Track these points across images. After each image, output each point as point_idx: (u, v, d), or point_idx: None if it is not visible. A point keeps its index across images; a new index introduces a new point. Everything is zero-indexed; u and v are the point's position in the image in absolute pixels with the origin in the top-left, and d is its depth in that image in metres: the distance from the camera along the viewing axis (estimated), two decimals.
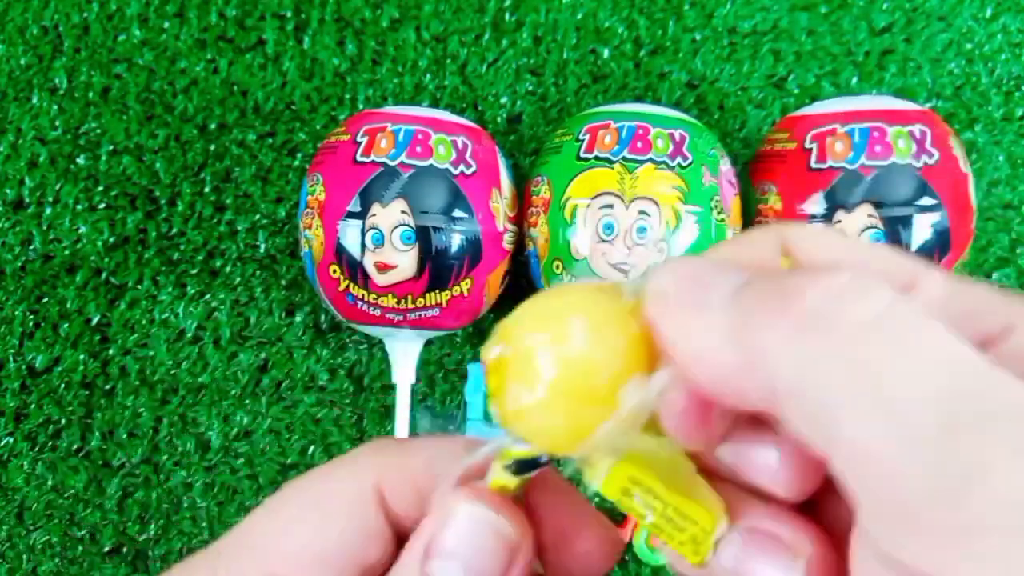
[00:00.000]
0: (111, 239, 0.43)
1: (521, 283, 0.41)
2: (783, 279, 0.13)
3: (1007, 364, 0.12)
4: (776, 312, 0.13)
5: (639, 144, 0.35)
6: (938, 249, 0.34)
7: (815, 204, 0.35)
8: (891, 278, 0.14)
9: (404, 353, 0.38)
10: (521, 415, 0.15)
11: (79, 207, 0.43)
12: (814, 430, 0.13)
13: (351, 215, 0.35)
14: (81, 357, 0.42)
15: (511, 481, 0.16)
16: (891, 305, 0.13)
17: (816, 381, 0.12)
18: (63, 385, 0.42)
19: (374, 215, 0.34)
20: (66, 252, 0.43)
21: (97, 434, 0.42)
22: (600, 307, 0.15)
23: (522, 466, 0.16)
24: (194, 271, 0.43)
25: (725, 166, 0.37)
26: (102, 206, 0.44)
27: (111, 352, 0.42)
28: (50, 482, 0.42)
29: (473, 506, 0.16)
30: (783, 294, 0.13)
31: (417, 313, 0.36)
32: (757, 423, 0.15)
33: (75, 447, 0.42)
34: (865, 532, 0.13)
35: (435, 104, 0.44)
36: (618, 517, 0.40)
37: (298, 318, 0.42)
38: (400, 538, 0.17)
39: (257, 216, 0.43)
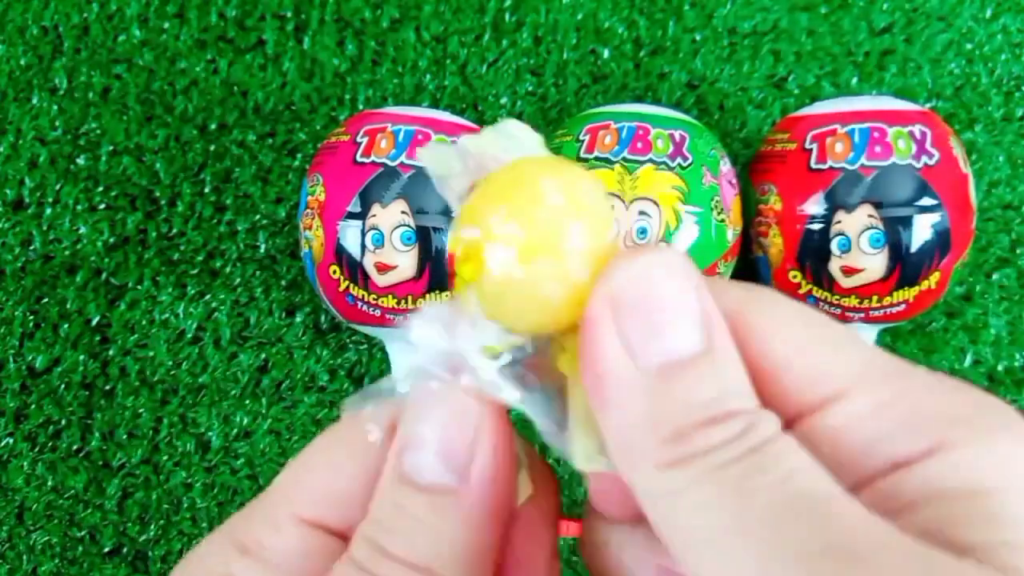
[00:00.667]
0: (111, 239, 0.43)
1: None
2: (676, 410, 0.14)
3: (910, 491, 0.13)
4: (653, 443, 0.13)
5: (639, 144, 0.35)
6: (938, 250, 0.34)
7: (815, 204, 0.35)
8: (835, 377, 0.14)
9: (404, 354, 0.38)
10: (504, 294, 0.15)
11: (79, 207, 0.43)
12: (669, 548, 0.13)
13: (351, 215, 0.35)
14: (81, 357, 0.42)
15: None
16: (760, 443, 0.13)
17: (671, 508, 0.13)
18: (63, 385, 0.42)
19: (374, 215, 0.34)
20: (66, 252, 0.43)
21: (97, 434, 0.42)
22: (560, 169, 0.15)
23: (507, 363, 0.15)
24: (194, 271, 0.43)
25: (725, 166, 0.37)
26: (102, 206, 0.44)
27: (111, 352, 0.42)
28: (50, 482, 0.42)
29: (446, 387, 0.16)
30: (668, 426, 0.13)
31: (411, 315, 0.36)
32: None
33: (75, 447, 0.42)
34: None
35: (435, 104, 0.44)
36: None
37: (298, 318, 0.42)
38: None
39: (257, 216, 0.43)
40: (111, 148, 0.44)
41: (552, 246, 0.14)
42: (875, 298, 0.35)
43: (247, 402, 0.42)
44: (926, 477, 0.13)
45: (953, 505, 0.13)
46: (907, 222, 0.34)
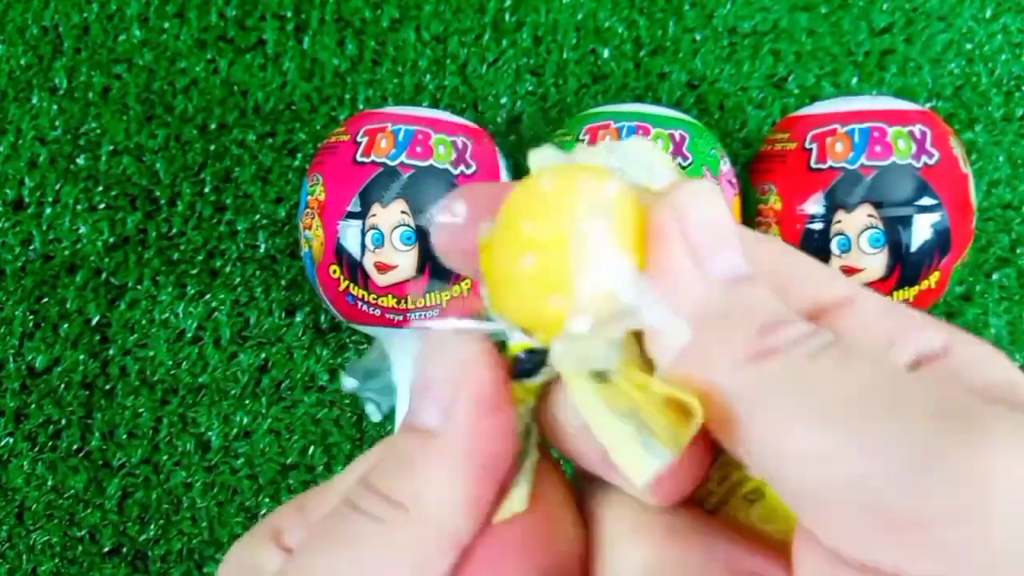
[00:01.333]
0: (111, 239, 0.43)
1: None
2: (754, 307, 0.14)
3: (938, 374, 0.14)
4: (735, 340, 0.14)
5: None
6: (938, 249, 0.34)
7: (815, 204, 0.35)
8: (817, 290, 0.15)
9: (404, 353, 0.38)
10: (509, 294, 0.15)
11: (79, 207, 0.43)
12: (760, 446, 0.13)
13: (351, 215, 0.35)
14: (81, 357, 0.42)
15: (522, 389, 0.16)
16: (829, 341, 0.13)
17: (764, 398, 0.13)
18: (63, 385, 0.42)
19: (374, 215, 0.34)
20: (66, 252, 0.43)
21: (97, 434, 0.42)
22: (595, 192, 0.15)
23: (522, 366, 0.15)
24: (194, 271, 0.43)
25: (725, 166, 0.37)
26: (102, 206, 0.44)
27: (111, 352, 0.42)
28: (50, 482, 0.42)
29: (444, 335, 0.16)
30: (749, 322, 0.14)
31: (417, 313, 0.36)
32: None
33: (75, 447, 0.42)
34: (811, 537, 0.13)
35: (435, 104, 0.44)
36: None
37: (298, 318, 0.42)
38: None
39: (257, 216, 0.43)
40: (111, 148, 0.44)
41: (552, 268, 0.15)
42: None
43: (247, 402, 0.42)
44: (949, 372, 0.14)
45: (983, 394, 0.13)
46: (907, 222, 0.34)
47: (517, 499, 0.15)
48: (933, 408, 0.12)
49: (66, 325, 0.43)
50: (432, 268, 0.35)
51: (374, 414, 0.40)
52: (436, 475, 0.15)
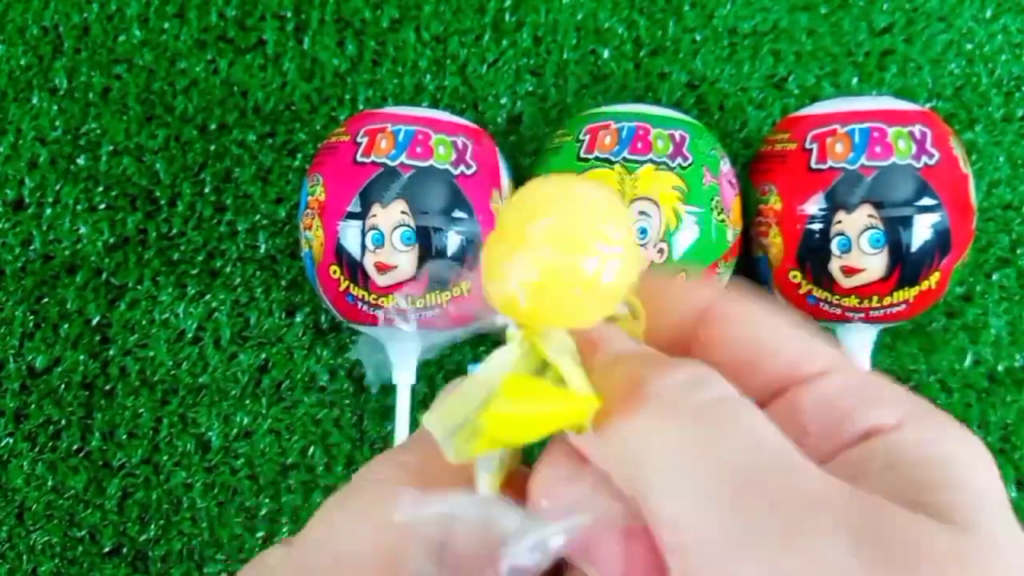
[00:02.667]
0: (111, 239, 0.43)
1: None
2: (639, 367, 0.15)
3: (875, 457, 0.14)
4: (626, 394, 0.15)
5: (639, 145, 0.35)
6: (938, 250, 0.34)
7: (815, 204, 0.35)
8: (791, 365, 0.16)
9: (404, 354, 0.38)
10: (510, 293, 0.16)
11: (79, 207, 0.43)
12: (643, 498, 0.14)
13: (351, 216, 0.35)
14: (81, 358, 0.42)
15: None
16: (721, 396, 0.15)
17: (642, 455, 0.14)
18: (63, 386, 0.42)
19: (374, 216, 0.34)
20: (66, 253, 0.43)
21: (97, 435, 0.42)
22: (594, 197, 0.16)
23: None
24: (194, 272, 0.43)
25: (725, 166, 0.37)
26: (102, 207, 0.44)
27: (111, 353, 0.42)
28: (50, 482, 0.42)
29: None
30: (636, 380, 0.15)
31: (417, 314, 0.36)
32: None
33: (75, 447, 0.42)
34: None
35: (435, 105, 0.44)
36: None
37: (298, 319, 0.42)
38: None
39: (257, 217, 0.43)
40: (111, 148, 0.44)
41: (555, 271, 0.15)
42: (875, 298, 0.35)
43: (247, 402, 0.42)
44: (891, 445, 0.15)
45: (913, 471, 0.14)
46: (907, 222, 0.34)
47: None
48: (780, 495, 0.13)
49: (66, 325, 0.43)
50: (432, 269, 0.35)
51: (372, 383, 0.40)
52: None
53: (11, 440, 0.42)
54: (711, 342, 0.17)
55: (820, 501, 0.13)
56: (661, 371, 0.15)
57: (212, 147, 0.44)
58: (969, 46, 0.44)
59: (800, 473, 0.13)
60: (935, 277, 0.35)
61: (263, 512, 0.41)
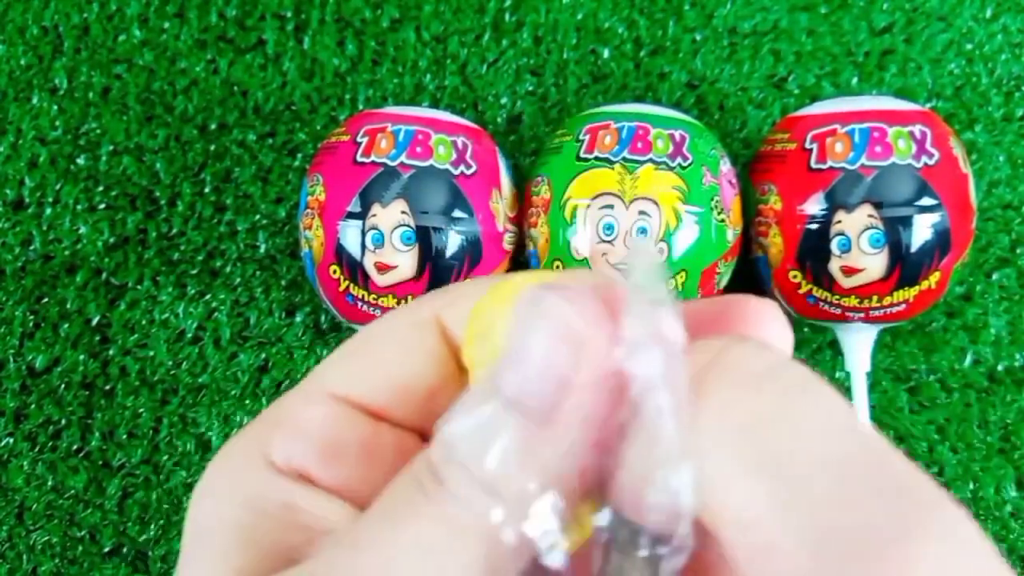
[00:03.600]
0: (111, 239, 0.43)
1: None
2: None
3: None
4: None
5: (639, 144, 0.35)
6: (938, 249, 0.34)
7: (815, 204, 0.35)
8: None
9: None
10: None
11: (79, 207, 0.43)
12: (707, 494, 0.12)
13: (351, 215, 0.35)
14: (81, 357, 0.42)
15: None
16: (784, 363, 0.12)
17: (702, 438, 0.12)
18: (63, 385, 0.42)
19: (374, 215, 0.34)
20: (66, 252, 0.43)
21: (97, 434, 0.42)
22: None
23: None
24: (194, 271, 0.43)
25: (725, 166, 0.37)
26: (102, 206, 0.44)
27: (111, 352, 0.42)
28: (50, 482, 0.42)
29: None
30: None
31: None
32: None
33: (75, 447, 0.42)
34: None
35: (435, 104, 0.44)
36: None
37: (298, 318, 0.42)
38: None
39: (257, 216, 0.43)
40: (111, 148, 0.44)
41: None
42: (875, 298, 0.35)
43: (247, 402, 0.42)
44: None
45: None
46: (907, 222, 0.34)
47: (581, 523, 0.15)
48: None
49: (66, 325, 0.43)
50: (432, 269, 0.35)
51: None
52: (545, 462, 0.13)
53: (11, 440, 0.42)
54: None
55: (935, 500, 0.11)
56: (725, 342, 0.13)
57: (212, 147, 0.44)
58: (969, 46, 0.44)
59: (899, 466, 0.11)
60: (935, 277, 0.35)
61: None
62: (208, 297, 0.43)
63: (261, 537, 0.15)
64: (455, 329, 0.17)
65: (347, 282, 0.35)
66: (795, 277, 0.36)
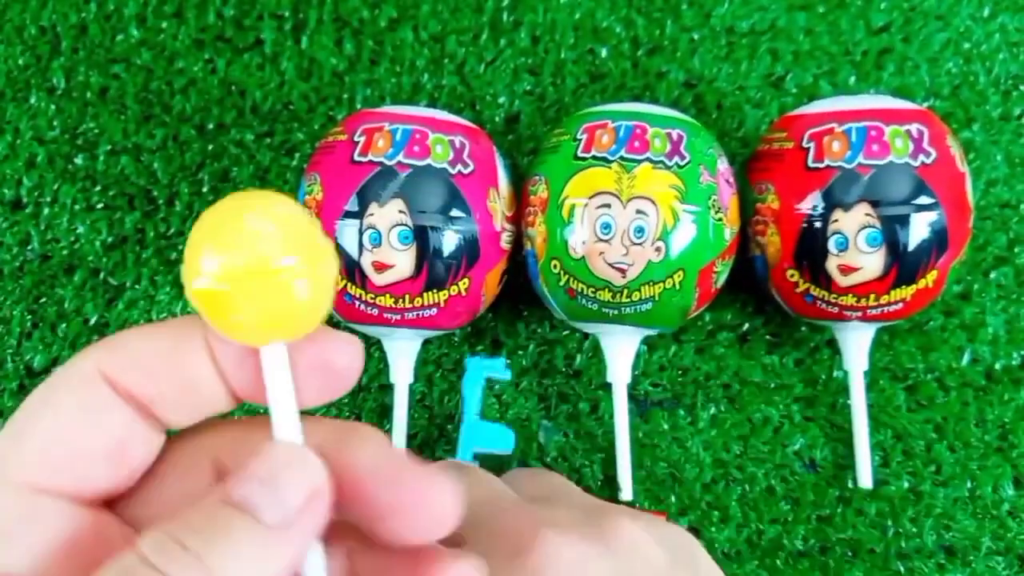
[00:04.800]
0: (109, 239, 0.43)
1: (519, 282, 0.41)
2: None
3: None
4: None
5: (636, 144, 0.35)
6: (935, 248, 0.34)
7: (812, 203, 0.35)
8: None
9: (402, 353, 0.38)
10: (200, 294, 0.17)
11: (77, 207, 0.43)
12: None
13: (348, 215, 0.35)
14: None
15: None
16: None
17: None
18: None
19: (371, 215, 0.34)
20: (64, 252, 0.43)
21: None
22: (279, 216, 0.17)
23: None
24: None
25: (723, 165, 0.37)
26: (100, 206, 0.44)
27: None
28: None
29: (289, 445, 0.17)
30: None
31: (415, 313, 0.36)
32: None
33: None
34: None
35: (433, 104, 0.44)
36: None
37: None
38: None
39: None
40: (109, 148, 0.44)
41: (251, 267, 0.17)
42: (872, 297, 0.35)
43: (245, 402, 0.42)
44: None
45: None
46: (904, 221, 0.34)
47: None
48: None
49: (64, 325, 0.43)
50: (429, 269, 0.35)
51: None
52: (274, 569, 0.16)
53: None
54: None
55: None
56: None
57: (210, 147, 0.44)
58: (967, 45, 0.44)
59: None
60: (932, 275, 0.35)
61: None
62: None
63: None
64: (121, 376, 0.17)
65: (344, 281, 0.35)
66: (792, 276, 0.36)
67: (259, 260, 0.16)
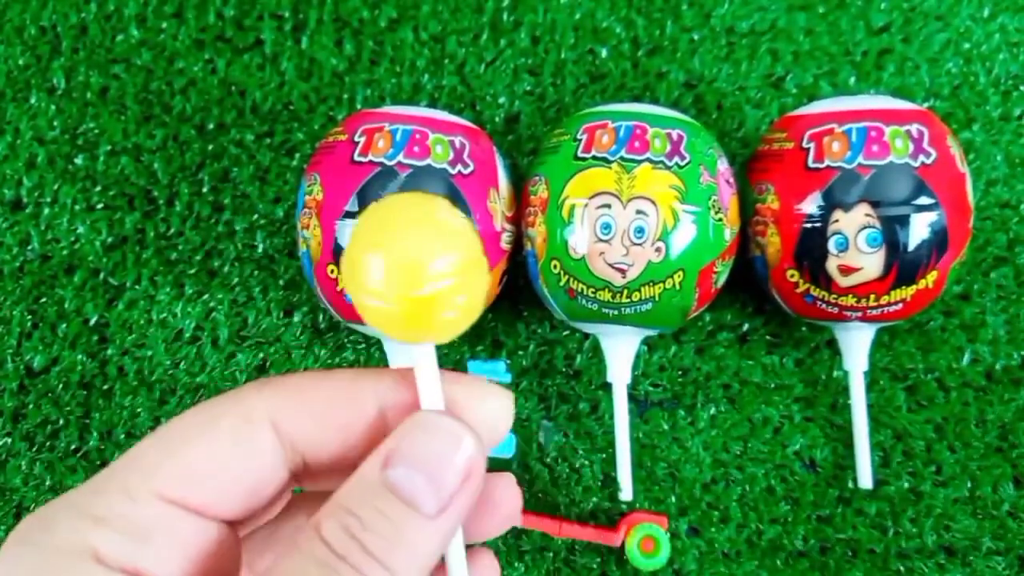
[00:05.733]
0: (109, 239, 0.43)
1: (519, 283, 0.41)
2: None
3: None
4: None
5: (636, 144, 0.35)
6: (935, 248, 0.34)
7: (812, 203, 0.35)
8: None
9: (402, 353, 0.38)
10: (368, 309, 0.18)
11: (77, 207, 0.43)
12: None
13: (349, 215, 0.35)
14: (79, 357, 0.42)
15: None
16: None
17: None
18: (61, 385, 0.42)
19: None
20: (64, 252, 0.43)
21: (95, 434, 0.42)
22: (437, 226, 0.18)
23: None
24: (192, 271, 0.43)
25: (723, 166, 0.37)
26: (100, 206, 0.44)
27: (109, 352, 0.42)
28: (48, 482, 0.42)
29: (440, 417, 0.18)
30: None
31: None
32: None
33: (73, 447, 0.42)
34: None
35: (433, 104, 0.44)
36: (613, 520, 0.40)
37: (296, 318, 0.42)
38: (311, 469, 0.19)
39: (255, 216, 0.43)
40: (109, 148, 0.44)
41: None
42: (872, 297, 0.35)
43: None
44: None
45: None
46: (904, 221, 0.34)
47: None
48: None
49: (64, 325, 0.43)
50: None
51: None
52: (427, 553, 0.17)
53: (9, 440, 0.42)
54: None
55: None
56: None
57: (210, 147, 0.44)
58: (967, 45, 0.44)
59: None
60: (932, 276, 0.35)
61: None
62: (206, 297, 0.43)
63: None
64: (289, 424, 0.18)
65: None
66: (792, 276, 0.36)
67: (474, 250, 0.18)
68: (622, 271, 0.34)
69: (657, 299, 0.35)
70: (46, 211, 0.43)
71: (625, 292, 0.35)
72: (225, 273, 0.43)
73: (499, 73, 0.44)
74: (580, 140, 0.36)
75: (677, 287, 0.35)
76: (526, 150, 0.44)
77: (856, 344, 0.38)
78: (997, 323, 0.41)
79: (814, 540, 0.40)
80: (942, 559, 0.39)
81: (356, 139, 0.36)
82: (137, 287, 0.43)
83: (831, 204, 0.34)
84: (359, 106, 0.44)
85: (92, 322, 0.43)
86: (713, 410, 0.41)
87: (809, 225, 0.35)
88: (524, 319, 0.42)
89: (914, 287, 0.35)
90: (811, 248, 0.35)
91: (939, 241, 0.34)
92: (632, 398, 0.41)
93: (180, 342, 0.42)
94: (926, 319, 0.41)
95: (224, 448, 0.18)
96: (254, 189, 0.43)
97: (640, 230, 0.34)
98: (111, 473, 0.18)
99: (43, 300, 0.43)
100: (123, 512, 0.17)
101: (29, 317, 0.43)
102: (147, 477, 0.17)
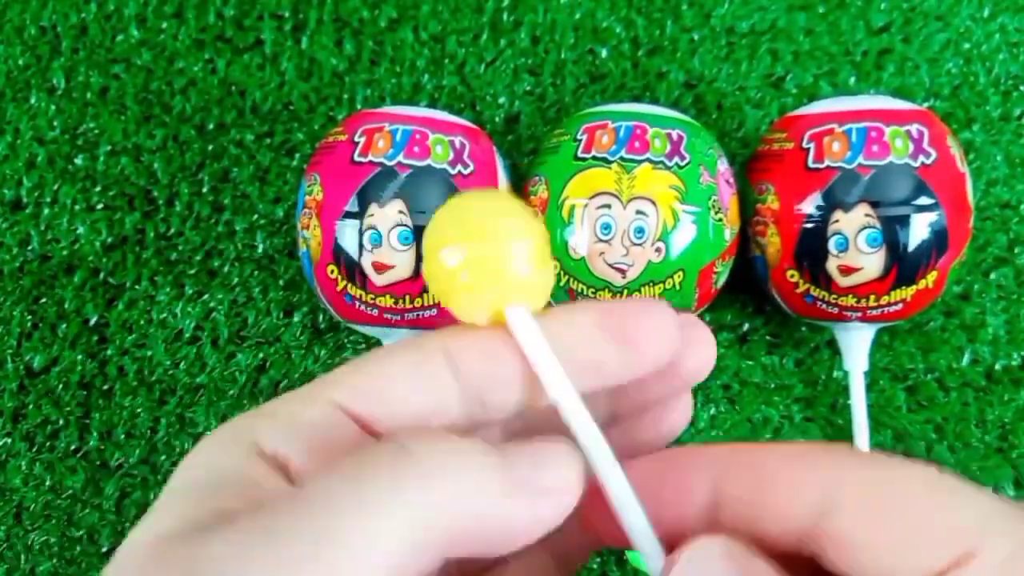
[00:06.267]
0: (109, 239, 0.43)
1: None
2: None
3: None
4: None
5: (636, 144, 0.35)
6: (935, 249, 0.34)
7: (812, 204, 0.35)
8: (961, 534, 0.15)
9: (855, 346, 0.38)
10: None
11: (77, 207, 0.43)
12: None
13: (348, 215, 0.35)
14: (79, 357, 0.42)
15: None
16: None
17: None
18: (61, 385, 0.42)
19: (372, 215, 0.34)
20: (64, 252, 0.43)
21: (95, 434, 0.42)
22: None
23: None
24: (192, 271, 0.43)
25: (723, 166, 0.37)
26: (100, 206, 0.44)
27: (109, 352, 0.42)
28: (48, 482, 0.42)
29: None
30: None
31: (415, 313, 0.36)
32: None
33: (73, 447, 0.42)
34: None
35: (433, 104, 0.44)
36: None
37: (296, 318, 0.42)
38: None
39: (255, 216, 0.43)
40: (109, 148, 0.44)
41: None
42: (872, 297, 0.35)
43: (245, 402, 0.42)
44: None
45: None
46: (904, 221, 0.34)
47: None
48: None
49: (64, 325, 0.43)
50: None
51: None
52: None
53: (9, 440, 0.42)
54: (843, 540, 0.16)
55: None
56: None
57: (210, 147, 0.44)
58: (967, 45, 0.44)
59: None
60: (932, 276, 0.35)
61: None
62: (206, 297, 0.43)
63: (216, 498, 0.15)
64: (466, 364, 0.18)
65: (345, 282, 0.35)
66: (792, 276, 0.36)
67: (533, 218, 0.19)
68: (622, 271, 0.34)
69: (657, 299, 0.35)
70: (46, 211, 0.43)
71: (625, 292, 0.35)
72: (225, 273, 0.43)
73: (499, 73, 0.44)
74: (580, 140, 0.36)
75: (677, 287, 0.35)
76: (526, 150, 0.44)
77: (856, 344, 0.38)
78: (997, 323, 0.41)
79: None
80: None
81: (356, 139, 0.36)
82: (137, 287, 0.43)
83: (831, 204, 0.34)
84: (359, 106, 0.44)
85: (92, 322, 0.43)
86: (713, 410, 0.41)
87: (809, 225, 0.35)
88: None
89: (914, 287, 0.35)
90: (811, 248, 0.35)
91: (939, 241, 0.34)
92: None
93: (180, 342, 0.42)
94: (926, 319, 0.41)
95: (403, 373, 0.18)
96: (254, 189, 0.43)
97: (640, 230, 0.34)
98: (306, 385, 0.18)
99: (43, 300, 0.43)
100: (293, 411, 0.17)
101: (29, 317, 0.43)
102: (326, 387, 0.18)
